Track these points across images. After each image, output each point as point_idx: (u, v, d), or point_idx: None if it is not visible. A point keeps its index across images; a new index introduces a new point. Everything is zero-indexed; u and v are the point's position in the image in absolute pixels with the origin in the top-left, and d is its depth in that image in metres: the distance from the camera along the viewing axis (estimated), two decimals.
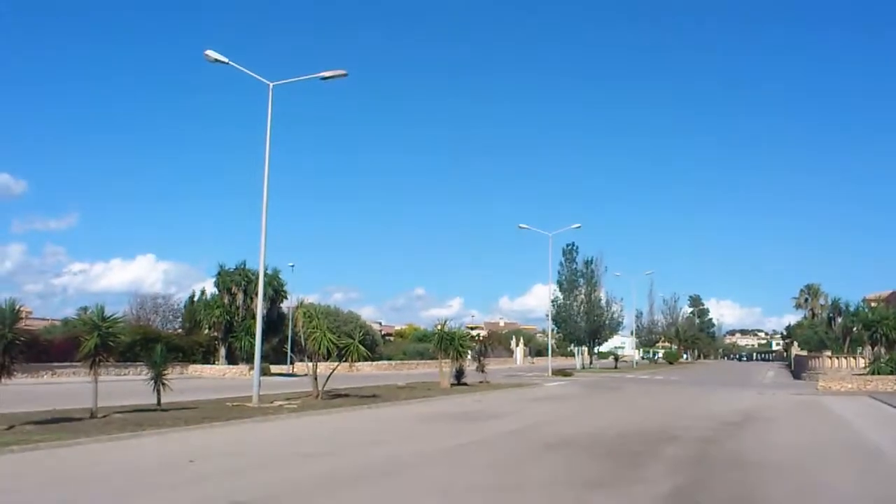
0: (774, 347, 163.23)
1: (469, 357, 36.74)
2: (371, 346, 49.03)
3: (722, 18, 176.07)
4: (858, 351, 48.86)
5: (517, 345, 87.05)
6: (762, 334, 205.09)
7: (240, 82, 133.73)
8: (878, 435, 17.45)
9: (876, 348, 44.40)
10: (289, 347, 49.83)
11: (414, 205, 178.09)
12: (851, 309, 55.58)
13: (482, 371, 37.05)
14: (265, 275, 26.04)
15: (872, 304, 56.84)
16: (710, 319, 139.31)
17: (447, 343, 32.82)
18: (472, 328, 65.06)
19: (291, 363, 50.37)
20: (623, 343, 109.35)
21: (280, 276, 49.42)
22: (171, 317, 61.20)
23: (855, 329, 50.39)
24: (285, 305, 50.97)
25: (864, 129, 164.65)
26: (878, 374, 36.89)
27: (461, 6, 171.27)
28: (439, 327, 34.23)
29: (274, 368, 47.57)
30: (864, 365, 43.18)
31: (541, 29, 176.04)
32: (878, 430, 18.53)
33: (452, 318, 39.67)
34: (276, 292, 48.66)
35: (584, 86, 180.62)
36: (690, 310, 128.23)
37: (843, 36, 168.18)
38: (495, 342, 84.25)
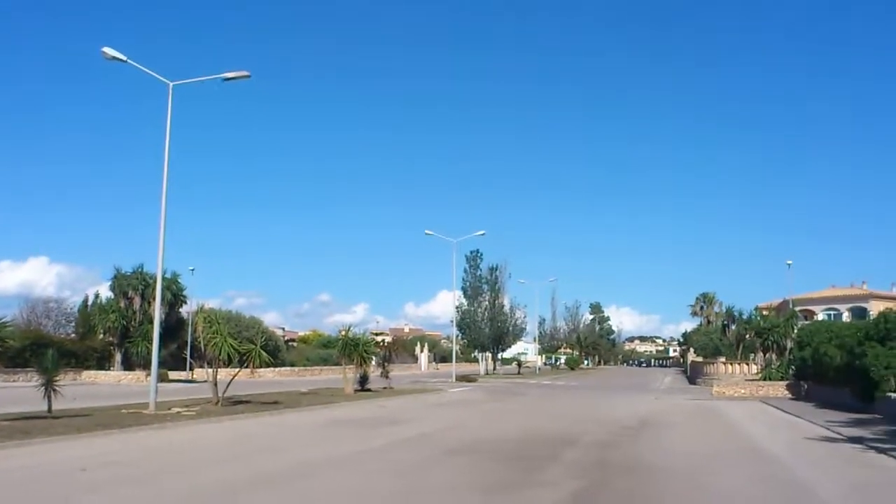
0: (672, 354, 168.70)
1: (373, 363, 36.57)
2: (273, 351, 48.06)
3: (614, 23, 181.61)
4: (751, 357, 51.11)
5: (422, 351, 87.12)
6: (660, 341, 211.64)
7: (139, 82, 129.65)
8: (768, 439, 18.32)
9: (767, 355, 46.48)
10: (188, 353, 48.41)
11: (318, 209, 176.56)
12: (744, 317, 58.13)
13: (386, 377, 36.95)
14: (164, 279, 25.33)
15: (764, 313, 59.51)
16: (610, 326, 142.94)
17: (351, 349, 32.57)
18: (376, 334, 64.50)
19: (191, 369, 48.98)
20: (526, 349, 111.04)
21: (179, 281, 48.03)
22: (64, 321, 58.61)
23: (748, 336, 52.66)
24: (185, 310, 49.53)
25: (756, 150, 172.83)
26: (770, 379, 38.68)
27: (365, 8, 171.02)
28: (343, 333, 33.92)
29: (173, 375, 46.16)
30: (756, 371, 45.19)
31: (442, 28, 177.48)
32: (769, 435, 19.47)
33: (357, 324, 39.53)
34: (175, 297, 47.24)
35: (489, 88, 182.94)
36: (591, 317, 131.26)
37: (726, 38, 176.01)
38: (400, 348, 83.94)
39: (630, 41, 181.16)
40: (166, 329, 39.14)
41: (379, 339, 52.96)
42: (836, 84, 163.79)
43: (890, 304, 55.44)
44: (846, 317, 71.33)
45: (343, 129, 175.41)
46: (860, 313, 69.65)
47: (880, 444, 16.27)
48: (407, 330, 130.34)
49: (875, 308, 61.67)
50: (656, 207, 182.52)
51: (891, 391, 24.08)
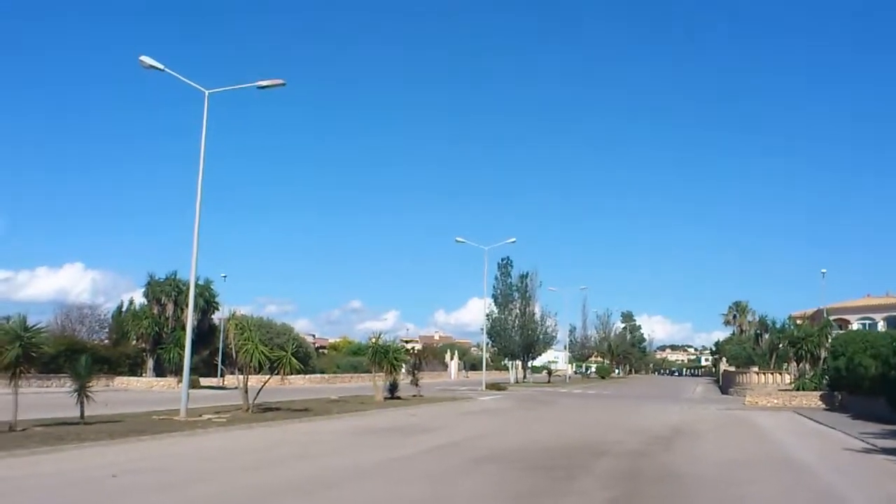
0: (703, 363, 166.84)
1: (403, 371, 36.60)
2: (304, 358, 48.37)
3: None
4: (784, 367, 50.27)
5: (451, 359, 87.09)
6: (692, 350, 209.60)
7: (175, 90, 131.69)
8: (801, 449, 18.01)
9: (801, 364, 45.71)
10: (220, 360, 48.84)
11: (351, 217, 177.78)
12: (778, 326, 57.22)
13: (416, 385, 36.97)
14: (196, 285, 25.46)
15: (798, 322, 58.52)
16: (642, 335, 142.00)
17: (381, 356, 32.60)
18: (406, 342, 64.61)
19: (222, 376, 49.38)
20: (556, 357, 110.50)
21: (212, 287, 48.54)
22: (97, 327, 59.20)
23: (781, 345, 51.79)
24: (217, 317, 49.97)
25: (788, 156, 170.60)
26: (803, 389, 38.05)
27: (402, 18, 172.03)
28: (374, 340, 33.95)
29: (204, 381, 46.54)
30: (789, 381, 44.44)
31: (473, 39, 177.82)
32: (802, 445, 19.12)
33: (387, 332, 39.53)
34: (207, 303, 47.71)
35: (521, 94, 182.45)
36: (623, 325, 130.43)
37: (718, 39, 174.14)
38: (430, 356, 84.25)
39: (657, 42, 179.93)
40: (198, 335, 39.53)
41: (409, 346, 53.10)
42: (874, 89, 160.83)
43: None
44: (881, 326, 69.94)
45: (376, 136, 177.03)
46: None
47: None
48: (437, 338, 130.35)
49: None
50: (689, 215, 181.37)
51: None
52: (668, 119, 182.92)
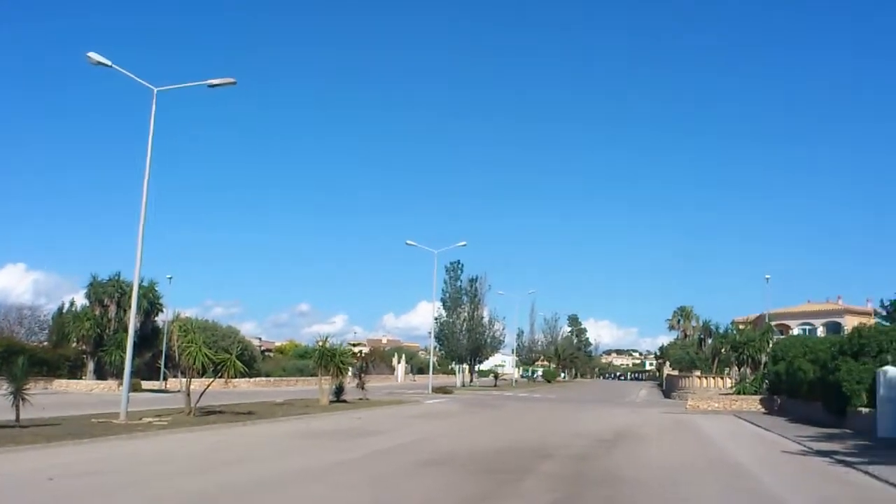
0: (648, 367, 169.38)
1: (350, 374, 36.38)
2: (249, 361, 47.66)
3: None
4: (726, 371, 51.41)
5: (399, 362, 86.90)
6: (637, 354, 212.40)
7: (123, 89, 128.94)
8: (740, 453, 18.40)
9: (742, 369, 46.81)
10: (162, 363, 47.80)
11: (299, 218, 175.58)
12: (721, 331, 58.47)
13: (362, 388, 36.76)
14: (140, 287, 25.01)
15: (741, 327, 59.89)
16: (588, 339, 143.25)
17: (328, 360, 32.38)
18: (354, 345, 64.22)
19: (165, 379, 48.34)
20: (504, 361, 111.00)
21: (156, 289, 47.58)
22: (37, 329, 57.67)
23: (723, 350, 52.96)
24: (161, 319, 49.07)
25: (735, 163, 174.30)
26: (744, 393, 38.93)
27: (353, 13, 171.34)
28: (320, 343, 33.71)
29: (146, 384, 45.55)
30: (730, 385, 45.45)
31: (417, 37, 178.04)
32: (742, 448, 19.53)
33: (335, 335, 39.29)
34: (151, 305, 46.80)
35: (470, 97, 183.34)
36: (570, 329, 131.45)
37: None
38: (377, 359, 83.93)
39: (609, 48, 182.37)
40: (141, 338, 38.74)
41: (356, 349, 52.81)
42: (819, 95, 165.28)
43: (864, 319, 56.20)
44: (821, 331, 72.03)
45: (325, 137, 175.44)
46: (835, 328, 70.38)
47: (849, 458, 16.41)
48: (385, 341, 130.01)
49: (849, 323, 62.45)
50: (636, 220, 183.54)
51: (862, 406, 24.31)
52: (617, 122, 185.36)
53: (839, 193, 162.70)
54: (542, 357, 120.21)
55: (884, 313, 48.37)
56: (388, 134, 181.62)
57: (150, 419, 21.04)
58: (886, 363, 23.53)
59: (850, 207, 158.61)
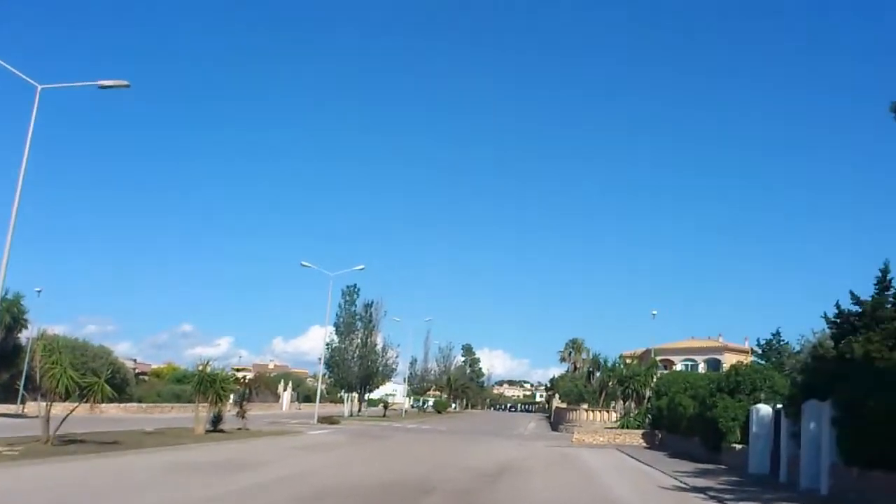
0: (538, 399, 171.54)
1: (231, 401, 34.78)
2: (120, 385, 44.93)
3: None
4: (612, 405, 52.35)
5: (284, 389, 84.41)
6: (528, 385, 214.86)
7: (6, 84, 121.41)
8: (620, 487, 18.79)
9: (627, 403, 47.71)
10: (22, 384, 44.13)
11: (184, 235, 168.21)
12: (609, 364, 59.68)
13: (242, 417, 35.15)
14: (3, 300, 23.11)
15: (628, 361, 61.32)
16: (481, 369, 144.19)
17: (207, 385, 30.78)
18: (238, 370, 61.84)
19: (23, 402, 44.85)
20: (394, 390, 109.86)
21: (22, 303, 44.00)
22: None
23: (610, 384, 54.00)
24: (25, 336, 45.44)
25: (627, 199, 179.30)
26: (628, 427, 39.64)
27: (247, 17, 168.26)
28: (201, 368, 32.10)
29: (1, 408, 42.20)
30: (615, 419, 46.24)
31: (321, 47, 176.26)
32: (621, 483, 19.90)
33: (218, 358, 37.66)
34: (14, 320, 43.11)
35: (368, 114, 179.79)
36: (463, 359, 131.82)
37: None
38: (262, 386, 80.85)
39: (499, 67, 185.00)
40: (0, 356, 35.97)
41: (240, 375, 50.85)
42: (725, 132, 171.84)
43: (741, 357, 58.60)
44: (702, 368, 74.51)
45: (217, 155, 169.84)
46: (715, 365, 72.90)
47: (721, 494, 17.20)
48: (272, 366, 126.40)
49: (728, 360, 64.87)
50: (533, 250, 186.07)
51: (736, 442, 25.03)
52: (508, 149, 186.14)
53: (720, 238, 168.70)
54: (434, 386, 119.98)
55: (759, 352, 50.49)
56: (283, 152, 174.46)
57: None
58: (759, 401, 24.37)
59: (731, 251, 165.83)
